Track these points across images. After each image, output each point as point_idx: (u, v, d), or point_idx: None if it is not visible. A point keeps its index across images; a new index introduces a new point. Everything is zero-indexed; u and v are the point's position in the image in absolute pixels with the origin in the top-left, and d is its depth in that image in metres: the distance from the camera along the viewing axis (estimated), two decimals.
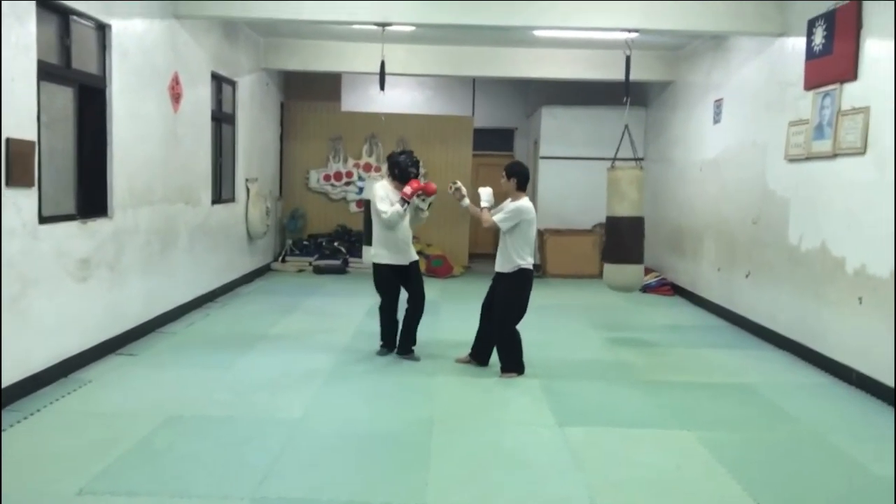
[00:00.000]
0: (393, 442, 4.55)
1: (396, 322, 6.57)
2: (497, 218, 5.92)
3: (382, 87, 8.34)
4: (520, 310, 6.03)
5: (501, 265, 6.00)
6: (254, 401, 5.26)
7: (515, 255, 5.91)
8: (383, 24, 7.75)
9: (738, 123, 8.52)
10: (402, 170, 6.32)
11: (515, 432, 4.77)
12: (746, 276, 8.07)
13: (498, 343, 6.12)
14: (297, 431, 4.66)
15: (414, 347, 6.54)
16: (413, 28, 8.70)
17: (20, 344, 4.97)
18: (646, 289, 10.67)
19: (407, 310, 6.49)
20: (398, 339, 6.55)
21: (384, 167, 12.04)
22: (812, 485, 4.12)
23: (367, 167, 12.48)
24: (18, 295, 4.92)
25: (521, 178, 6.01)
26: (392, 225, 6.19)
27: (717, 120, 9.15)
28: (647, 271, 11.19)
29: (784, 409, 5.41)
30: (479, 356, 6.31)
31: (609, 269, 7.43)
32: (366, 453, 4.36)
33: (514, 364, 6.06)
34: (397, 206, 6.15)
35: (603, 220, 8.15)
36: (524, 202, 5.94)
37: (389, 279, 6.44)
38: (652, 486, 4.03)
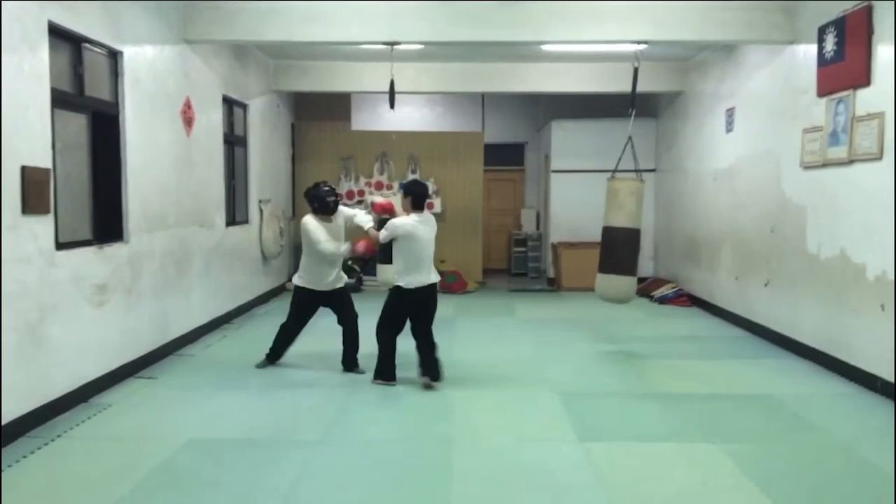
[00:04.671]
0: (413, 462, 4.51)
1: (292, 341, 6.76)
2: (381, 234, 6.07)
3: (392, 106, 8.36)
4: (389, 324, 6.14)
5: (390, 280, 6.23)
6: (272, 422, 5.24)
7: (395, 271, 6.06)
8: (392, 44, 7.77)
9: (751, 132, 8.48)
10: (322, 202, 6.43)
11: (536, 449, 4.72)
12: (765, 285, 7.99)
13: (379, 350, 6.20)
14: (317, 453, 4.63)
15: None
16: (421, 46, 8.73)
17: (40, 370, 4.98)
18: (663, 300, 10.61)
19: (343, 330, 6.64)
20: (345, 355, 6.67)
21: (396, 186, 12.14)
22: (841, 497, 4.04)
23: (379, 185, 12.49)
24: (37, 322, 4.93)
25: (415, 197, 6.09)
26: (328, 259, 6.41)
27: (729, 129, 9.11)
28: (664, 282, 11.15)
29: (809, 419, 5.33)
30: (427, 372, 6.16)
31: (601, 279, 7.34)
32: (386, 474, 4.32)
33: (382, 373, 6.18)
34: (341, 246, 6.37)
35: None
36: (405, 219, 6.00)
37: (309, 303, 6.60)
38: (677, 501, 3.97)
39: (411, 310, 6.10)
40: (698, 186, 10.25)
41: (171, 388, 6.06)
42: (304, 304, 6.60)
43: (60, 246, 5.27)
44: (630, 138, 7.56)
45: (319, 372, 6.58)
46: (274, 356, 6.72)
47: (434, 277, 6.11)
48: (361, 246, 6.31)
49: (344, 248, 6.37)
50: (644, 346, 7.88)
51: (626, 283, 7.21)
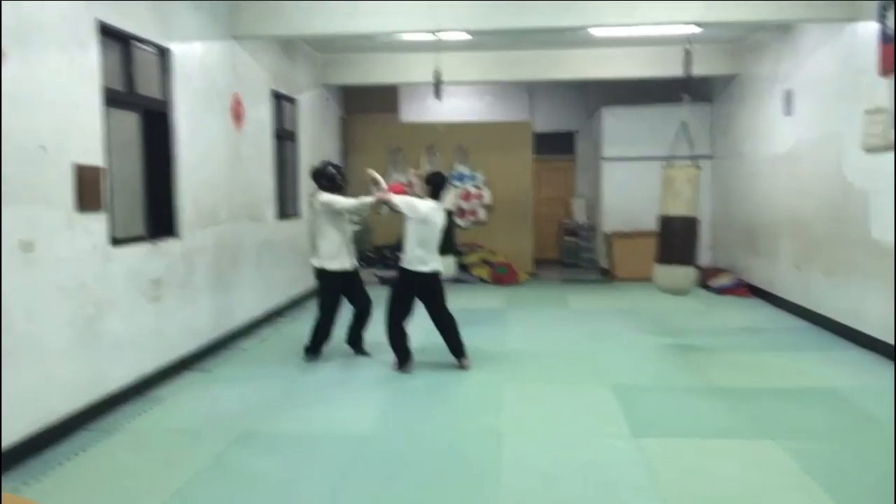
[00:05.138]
0: (462, 456, 4.46)
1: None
2: (397, 198, 6.18)
3: (438, 96, 8.30)
4: (399, 307, 6.28)
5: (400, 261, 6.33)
6: (323, 415, 5.26)
7: (404, 252, 6.22)
8: (436, 31, 7.70)
9: (810, 114, 8.16)
10: (330, 180, 6.57)
11: (587, 444, 4.63)
12: (828, 273, 7.70)
13: (387, 336, 6.33)
14: (366, 447, 4.62)
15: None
16: (468, 36, 8.64)
17: (97, 364, 5.09)
18: (721, 290, 10.34)
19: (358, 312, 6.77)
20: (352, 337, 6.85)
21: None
22: None
23: None
24: (94, 317, 5.04)
25: (436, 187, 6.30)
26: (348, 234, 6.61)
27: (787, 112, 8.78)
28: (722, 272, 10.85)
29: (874, 414, 5.11)
30: (456, 354, 6.45)
31: (659, 270, 7.15)
32: (434, 469, 4.29)
33: (398, 357, 6.33)
34: (365, 199, 6.42)
35: None
36: (425, 202, 6.18)
37: (340, 285, 6.65)
38: (735, 500, 3.84)
39: (416, 292, 6.27)
40: (756, 172, 9.93)
41: (224, 381, 6.14)
42: (336, 288, 6.64)
43: (115, 242, 5.37)
44: (684, 123, 7.34)
45: (368, 366, 6.58)
46: (315, 350, 6.73)
47: (438, 266, 6.29)
48: (392, 190, 6.37)
49: (372, 198, 6.37)
50: (701, 338, 7.67)
51: (686, 274, 7.03)
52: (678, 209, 6.96)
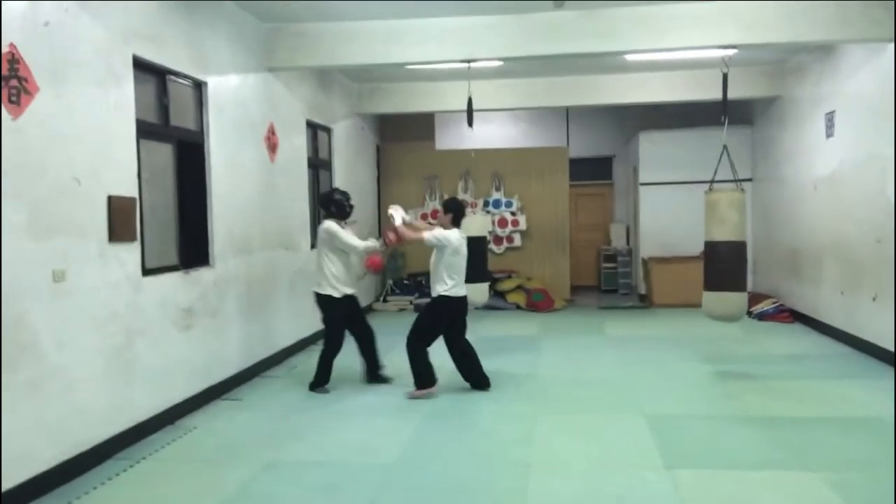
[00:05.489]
0: (488, 488, 4.37)
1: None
2: (427, 235, 6.29)
3: (470, 124, 8.29)
4: (429, 335, 6.41)
5: (431, 288, 6.43)
6: (350, 445, 5.22)
7: (437, 282, 6.30)
8: (469, 61, 7.72)
9: (853, 136, 7.95)
10: (339, 206, 6.63)
11: (619, 476, 4.50)
12: (873, 299, 7.44)
13: (410, 360, 6.36)
14: (392, 477, 4.56)
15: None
16: (500, 63, 8.65)
17: (127, 393, 5.14)
18: (762, 316, 10.08)
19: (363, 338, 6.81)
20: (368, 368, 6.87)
21: (480, 204, 12.09)
22: None
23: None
24: (124, 345, 5.10)
25: (456, 214, 6.43)
26: (352, 262, 6.69)
27: (829, 134, 8.58)
28: (763, 297, 10.57)
29: None
30: (479, 383, 6.55)
31: (708, 297, 6.99)
32: (460, 499, 4.20)
33: (424, 382, 6.33)
34: (370, 244, 6.62)
35: None
36: (453, 232, 6.32)
37: (346, 311, 6.65)
38: None
39: (451, 319, 6.41)
40: (798, 195, 9.70)
41: (255, 409, 6.15)
42: (343, 316, 6.64)
43: (147, 272, 5.45)
44: (725, 147, 7.21)
45: (398, 393, 6.52)
46: (323, 382, 6.65)
47: (465, 291, 6.48)
48: (391, 235, 6.50)
49: (378, 242, 6.63)
50: (741, 365, 7.46)
51: (736, 300, 6.87)
52: (724, 234, 6.82)
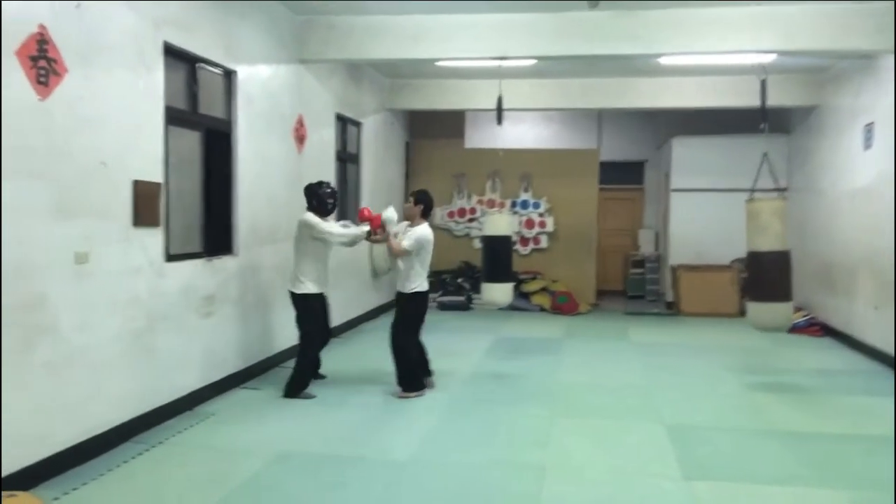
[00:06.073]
0: (500, 491, 4.30)
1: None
2: (406, 244, 6.22)
3: (500, 122, 8.24)
4: (415, 331, 6.45)
5: (401, 286, 6.33)
6: (363, 440, 5.19)
7: (412, 278, 6.25)
8: (501, 59, 7.65)
9: (891, 149, 7.74)
10: (321, 201, 6.32)
11: (634, 485, 4.41)
12: None
13: (396, 364, 6.32)
14: (403, 475, 4.52)
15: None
16: (534, 62, 8.58)
17: (147, 378, 5.16)
18: (793, 329, 9.84)
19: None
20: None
21: (508, 204, 12.00)
22: None
23: (491, 203, 12.37)
24: (145, 330, 5.12)
25: (427, 206, 6.45)
26: (350, 244, 6.53)
27: (867, 145, 8.36)
28: (795, 310, 10.34)
29: None
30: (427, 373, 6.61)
31: (753, 308, 6.84)
32: (470, 501, 4.14)
33: (412, 385, 6.30)
34: (356, 231, 6.44)
35: (742, 254, 7.56)
36: (425, 228, 6.32)
37: (324, 309, 6.48)
38: None
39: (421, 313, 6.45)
40: (834, 207, 9.47)
41: (272, 400, 6.15)
42: (323, 311, 6.45)
43: (170, 258, 5.46)
44: (766, 155, 7.05)
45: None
46: (304, 386, 6.26)
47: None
48: (376, 222, 6.41)
49: (360, 230, 6.42)
50: (767, 377, 7.31)
51: (782, 310, 6.73)
52: (767, 244, 6.68)
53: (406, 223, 6.49)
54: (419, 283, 6.28)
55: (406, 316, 6.39)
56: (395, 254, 6.29)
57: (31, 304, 4.07)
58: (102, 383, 4.70)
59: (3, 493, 3.25)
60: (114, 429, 4.81)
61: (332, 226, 6.34)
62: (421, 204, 6.40)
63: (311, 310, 6.28)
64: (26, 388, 4.05)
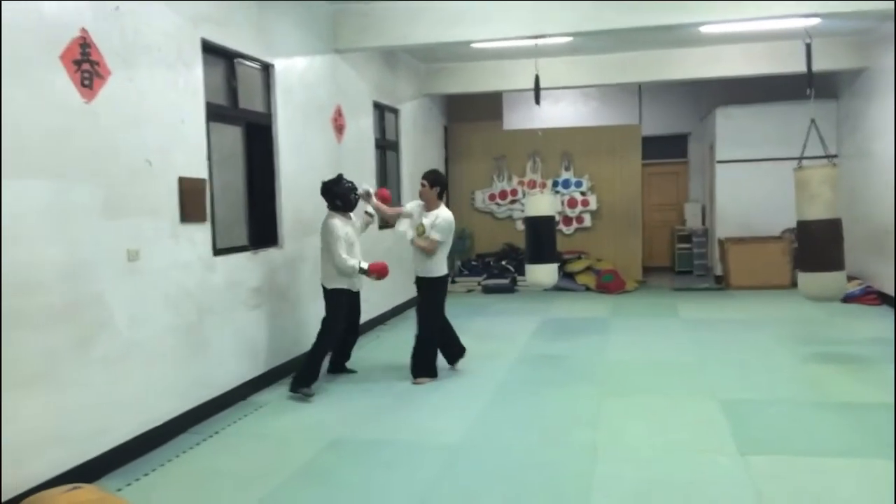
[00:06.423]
0: (552, 471, 4.30)
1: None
2: (436, 237, 6.15)
3: (538, 102, 8.16)
4: (441, 314, 6.43)
5: (426, 271, 6.29)
6: (415, 424, 5.24)
7: (436, 263, 6.23)
8: (538, 37, 7.57)
9: None
10: (345, 199, 6.17)
11: (689, 461, 4.36)
12: None
13: (420, 348, 6.30)
14: (456, 457, 4.55)
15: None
16: (570, 39, 8.46)
17: (199, 370, 5.28)
18: (848, 298, 9.59)
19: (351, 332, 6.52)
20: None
21: (549, 184, 11.90)
22: None
23: (532, 184, 12.28)
24: (196, 323, 5.23)
25: (443, 188, 6.38)
26: (342, 272, 6.06)
27: None
28: (849, 278, 10.08)
29: None
30: (452, 359, 6.66)
31: (804, 278, 6.70)
32: (523, 483, 4.14)
33: (428, 370, 6.28)
34: (354, 264, 6.01)
35: (793, 224, 7.38)
36: (445, 212, 6.26)
37: (349, 305, 6.31)
38: None
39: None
40: (888, 171, 9.18)
41: (322, 388, 6.21)
42: (349, 307, 6.28)
43: (218, 252, 5.56)
44: (813, 121, 6.86)
45: (464, 374, 6.52)
46: (310, 382, 5.95)
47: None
48: (375, 270, 6.09)
49: (362, 265, 6.04)
50: (823, 348, 7.15)
51: (835, 279, 6.58)
52: (817, 212, 6.53)
53: (418, 203, 6.44)
54: (441, 267, 6.29)
55: (432, 302, 6.39)
56: (428, 251, 6.18)
57: (87, 301, 4.19)
58: (157, 376, 4.81)
59: (67, 486, 3.35)
60: (170, 421, 4.93)
61: (341, 248, 5.98)
62: (437, 186, 6.32)
63: (335, 305, 6.16)
64: (86, 383, 4.17)
